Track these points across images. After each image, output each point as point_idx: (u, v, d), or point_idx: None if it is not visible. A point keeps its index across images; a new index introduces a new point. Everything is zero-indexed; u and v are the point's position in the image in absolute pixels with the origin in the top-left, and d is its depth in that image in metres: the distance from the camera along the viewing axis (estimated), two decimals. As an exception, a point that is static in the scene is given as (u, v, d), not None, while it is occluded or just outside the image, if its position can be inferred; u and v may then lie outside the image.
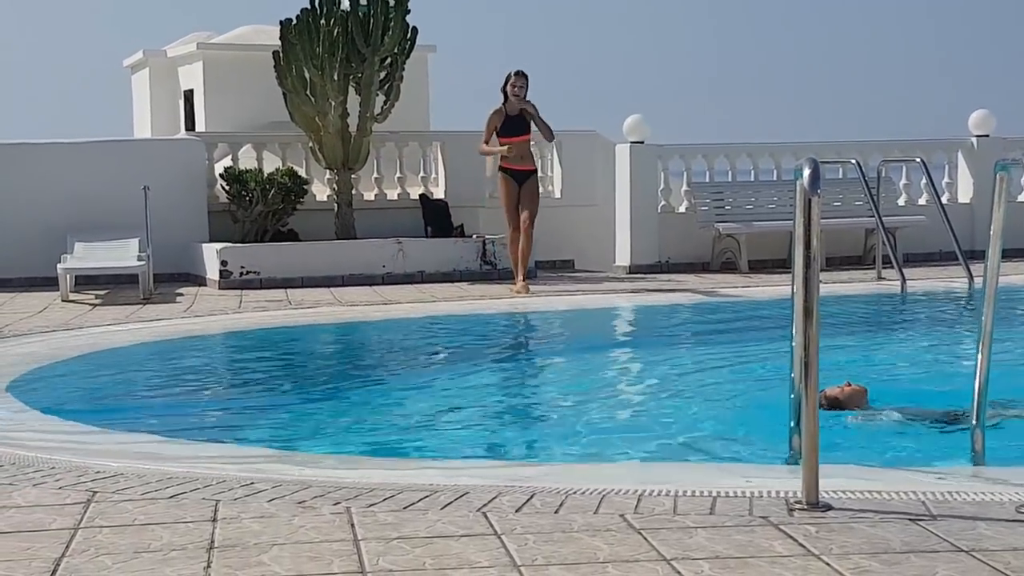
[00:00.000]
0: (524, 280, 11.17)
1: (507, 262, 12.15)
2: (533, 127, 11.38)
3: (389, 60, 12.97)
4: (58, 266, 11.37)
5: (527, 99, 11.34)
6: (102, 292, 11.68)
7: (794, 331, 3.99)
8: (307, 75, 12.81)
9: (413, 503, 3.85)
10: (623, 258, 13.36)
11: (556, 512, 3.73)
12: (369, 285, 12.07)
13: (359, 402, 6.45)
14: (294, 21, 12.80)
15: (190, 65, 16.10)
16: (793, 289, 4.00)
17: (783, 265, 12.89)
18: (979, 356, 4.50)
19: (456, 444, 5.42)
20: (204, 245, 12.56)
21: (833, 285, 11.30)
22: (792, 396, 4.30)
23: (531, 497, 3.90)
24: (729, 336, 8.81)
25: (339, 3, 12.79)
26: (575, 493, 3.95)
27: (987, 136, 14.47)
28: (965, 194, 14.43)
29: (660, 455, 5.02)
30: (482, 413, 6.09)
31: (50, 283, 11.61)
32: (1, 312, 10.21)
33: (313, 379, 7.19)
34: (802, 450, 3.81)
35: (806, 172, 3.84)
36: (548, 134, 11.52)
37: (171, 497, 3.99)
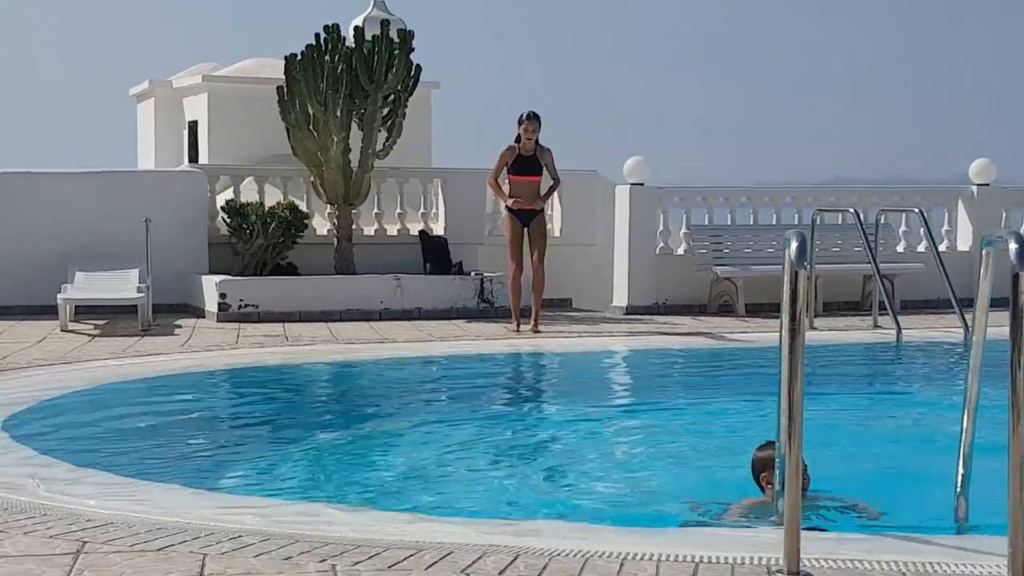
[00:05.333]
0: (536, 321, 11.23)
1: (505, 300, 12.21)
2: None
3: (392, 97, 13.08)
4: (58, 296, 11.43)
5: (544, 147, 11.42)
6: (101, 322, 11.73)
7: (779, 398, 4.03)
8: (310, 110, 12.91)
9: (398, 562, 3.88)
10: (620, 299, 13.41)
11: (539, 575, 3.76)
12: (366, 320, 12.12)
13: (350, 450, 6.49)
14: (299, 56, 12.91)
15: (195, 96, 16.23)
16: (781, 351, 4.03)
17: (780, 309, 12.91)
18: (964, 423, 4.54)
19: (444, 497, 5.45)
20: (204, 277, 12.62)
21: (828, 333, 11.35)
22: (777, 460, 4.34)
23: (515, 559, 3.93)
24: (723, 387, 8.85)
25: (343, 40, 12.91)
26: (559, 555, 3.98)
27: (987, 185, 14.55)
28: (965, 242, 14.50)
29: (647, 516, 5.04)
30: (470, 465, 6.12)
31: (50, 311, 11.65)
32: (0, 341, 10.26)
33: (307, 424, 7.19)
34: (784, 517, 3.85)
35: (793, 245, 3.88)
36: (556, 184, 11.60)
37: (159, 550, 4.02)
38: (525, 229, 11.39)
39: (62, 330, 11.08)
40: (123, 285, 11.88)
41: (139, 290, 11.59)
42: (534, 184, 11.42)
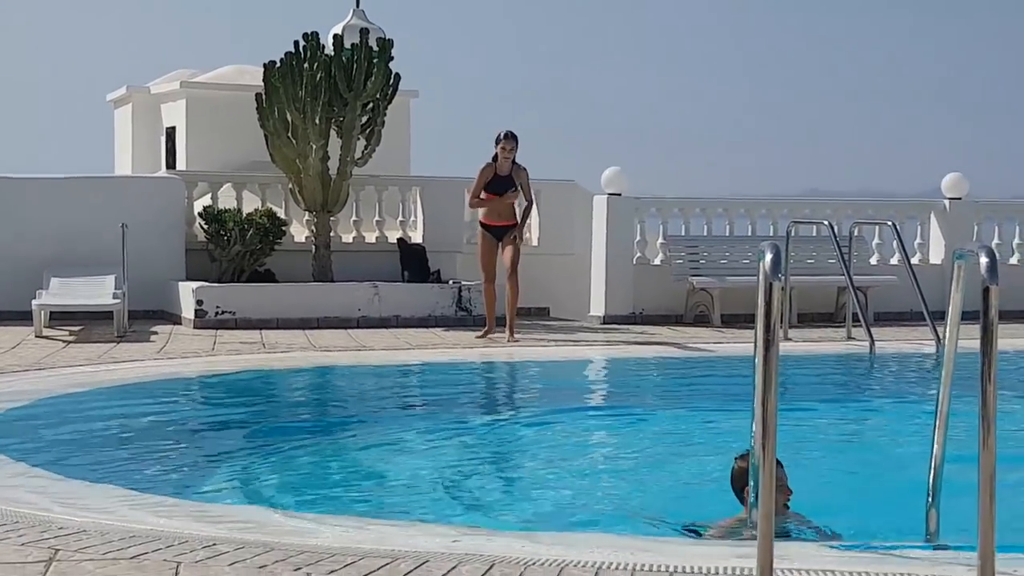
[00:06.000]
0: (511, 331, 11.26)
1: (482, 309, 12.24)
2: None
3: (371, 105, 13.09)
4: (33, 302, 11.38)
5: (521, 166, 11.47)
6: (76, 328, 11.68)
7: (754, 409, 4.05)
8: (289, 118, 12.91)
9: (373, 571, 3.88)
10: (598, 308, 13.45)
11: (514, 585, 3.77)
12: (344, 328, 12.12)
13: (324, 457, 6.49)
14: (277, 64, 12.91)
15: (173, 103, 16.20)
16: (755, 362, 4.05)
17: (755, 320, 12.96)
18: (935, 436, 4.57)
19: (419, 505, 5.46)
20: (180, 283, 12.59)
21: (802, 344, 11.42)
22: (751, 472, 4.36)
23: (490, 568, 3.93)
24: (698, 396, 8.88)
25: (323, 48, 12.92)
26: (534, 564, 3.98)
27: (959, 199, 14.67)
28: (937, 255, 14.61)
29: (622, 524, 5.06)
30: (446, 473, 6.13)
31: (25, 317, 11.60)
32: (-27, 347, 10.21)
33: (281, 432, 7.20)
34: (757, 528, 3.87)
35: (768, 257, 3.91)
36: (529, 207, 11.68)
37: (133, 558, 4.01)
38: (499, 244, 11.49)
39: (37, 336, 11.03)
40: (99, 291, 11.84)
41: (115, 296, 11.56)
42: (509, 203, 11.51)
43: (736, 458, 5.06)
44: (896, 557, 4.27)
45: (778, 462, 4.92)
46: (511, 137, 11.40)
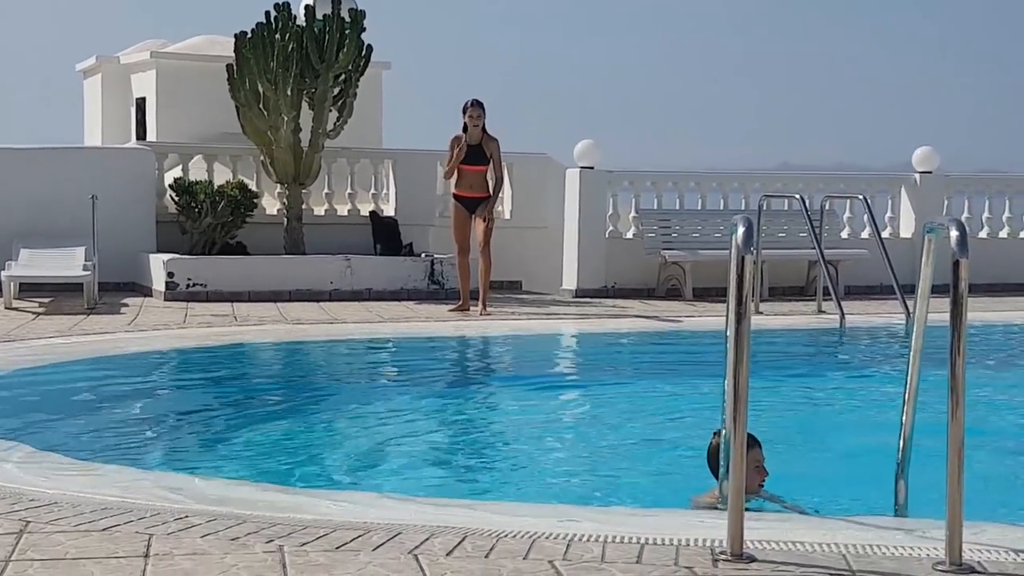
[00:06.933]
0: (484, 304, 11.26)
1: (455, 282, 12.23)
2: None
3: (343, 77, 13.02)
4: (2, 273, 11.30)
5: (492, 136, 11.44)
6: (46, 300, 11.60)
7: (726, 382, 4.07)
8: (260, 89, 12.82)
9: (346, 543, 3.89)
10: (570, 282, 13.46)
11: (486, 556, 3.78)
12: (316, 301, 12.09)
13: (297, 430, 6.49)
14: (249, 34, 12.81)
15: (143, 73, 16.05)
16: (727, 335, 4.07)
17: (726, 293, 12.99)
18: (904, 408, 4.62)
19: (391, 477, 5.47)
20: (151, 255, 12.52)
21: (773, 317, 11.48)
22: (723, 444, 4.39)
23: (463, 540, 3.95)
24: (669, 370, 8.92)
25: (294, 18, 12.83)
26: (506, 536, 4.00)
27: (930, 173, 14.75)
28: (907, 229, 14.70)
29: (594, 496, 5.08)
30: (417, 445, 6.15)
31: (-7, 288, 11.49)
32: (-59, 319, 10.12)
33: (253, 404, 7.20)
34: (728, 501, 3.90)
35: (740, 230, 3.93)
36: (500, 184, 11.62)
37: (104, 529, 4.00)
38: (471, 216, 11.46)
39: (6, 307, 10.96)
40: (69, 263, 11.76)
41: (85, 268, 11.48)
42: (480, 173, 11.49)
43: (714, 434, 5.06)
44: (865, 528, 4.31)
45: (756, 441, 4.98)
46: (477, 105, 11.40)
